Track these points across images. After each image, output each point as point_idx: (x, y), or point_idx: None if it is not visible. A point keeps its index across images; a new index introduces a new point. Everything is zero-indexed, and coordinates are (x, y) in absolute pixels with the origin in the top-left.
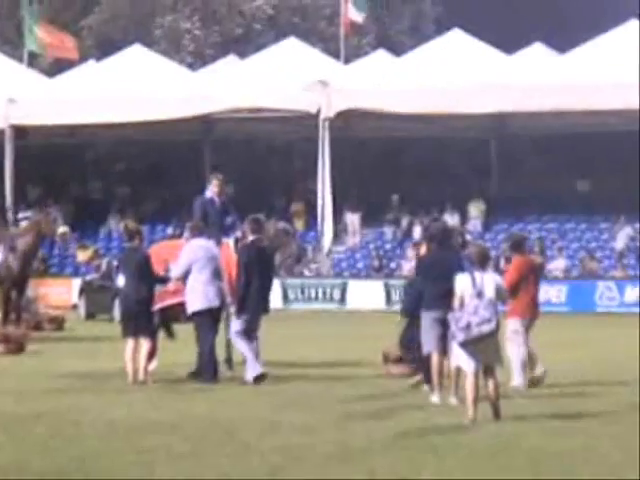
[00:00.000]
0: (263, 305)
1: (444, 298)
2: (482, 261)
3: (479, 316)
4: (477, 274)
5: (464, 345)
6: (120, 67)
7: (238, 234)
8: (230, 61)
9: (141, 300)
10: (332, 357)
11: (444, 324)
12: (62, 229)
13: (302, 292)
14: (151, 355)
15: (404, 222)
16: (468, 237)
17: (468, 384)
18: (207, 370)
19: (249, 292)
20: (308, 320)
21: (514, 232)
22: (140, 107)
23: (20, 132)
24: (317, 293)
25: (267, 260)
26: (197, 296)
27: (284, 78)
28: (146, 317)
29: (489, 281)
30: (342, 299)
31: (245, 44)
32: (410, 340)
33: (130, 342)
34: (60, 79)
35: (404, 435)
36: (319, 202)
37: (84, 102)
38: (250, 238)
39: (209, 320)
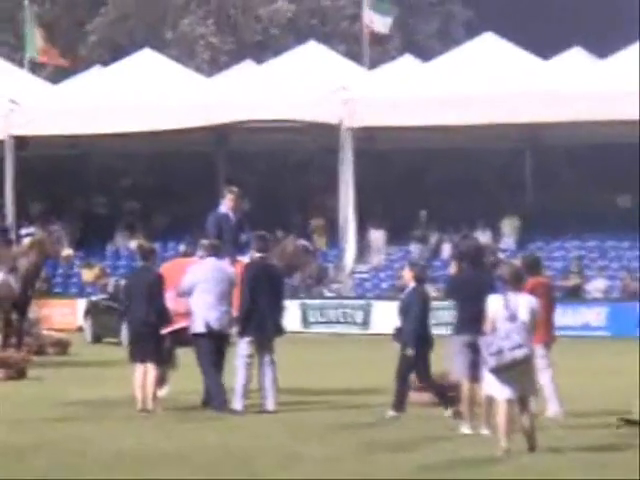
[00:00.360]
0: (274, 327)
1: (475, 321)
2: (516, 281)
3: (512, 341)
4: (510, 295)
5: (496, 372)
6: (128, 73)
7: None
8: (246, 67)
9: (151, 323)
10: (354, 384)
11: (475, 349)
12: (66, 251)
13: (322, 314)
14: (160, 381)
15: (432, 240)
16: (501, 256)
17: (501, 414)
18: (215, 398)
19: (255, 313)
20: (329, 344)
21: (527, 254)
22: (149, 116)
23: (21, 143)
24: (338, 315)
25: (276, 279)
26: (196, 318)
27: (304, 85)
28: (155, 341)
29: (523, 303)
30: (365, 322)
31: (262, 49)
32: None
33: (139, 368)
34: (64, 86)
35: (431, 468)
36: (340, 218)
37: (89, 111)
38: (256, 255)
39: (208, 345)
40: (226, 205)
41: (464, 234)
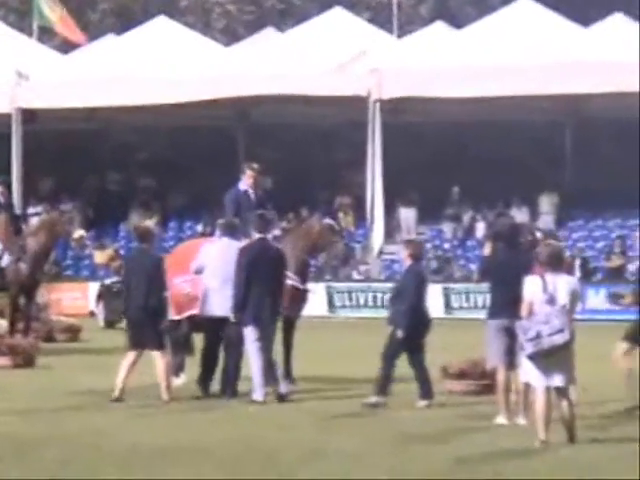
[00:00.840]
0: (273, 314)
1: (511, 305)
2: (555, 262)
3: (551, 325)
4: (549, 277)
5: (533, 358)
6: (143, 42)
7: (276, 232)
8: (267, 35)
9: (150, 308)
10: None
11: (511, 334)
12: (78, 233)
13: (350, 298)
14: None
15: (466, 218)
16: (539, 235)
17: (538, 402)
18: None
19: (251, 300)
20: (357, 329)
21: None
22: (165, 88)
23: (29, 116)
24: (367, 299)
25: (276, 262)
26: (202, 301)
27: (329, 55)
28: (155, 328)
29: (563, 285)
30: None
31: (283, 16)
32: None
33: (131, 354)
34: (75, 56)
35: (466, 461)
36: (368, 196)
37: (102, 82)
38: (255, 236)
39: (211, 329)
40: (246, 182)
41: (499, 212)
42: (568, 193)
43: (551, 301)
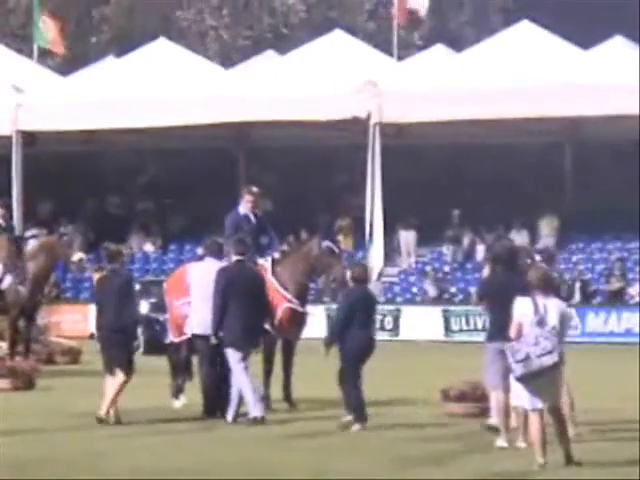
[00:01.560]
0: (251, 339)
1: (509, 328)
2: (545, 285)
3: (540, 347)
4: (539, 299)
5: (522, 380)
6: (143, 64)
7: (275, 255)
8: (267, 58)
9: (120, 329)
10: (383, 394)
11: None
12: (77, 255)
13: None
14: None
15: (465, 241)
16: (537, 258)
17: (533, 425)
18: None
19: (229, 321)
20: None
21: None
22: (165, 110)
23: (29, 138)
24: None
25: (254, 285)
26: (193, 320)
27: (328, 78)
28: (124, 349)
29: (553, 308)
30: (395, 328)
31: (282, 40)
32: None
33: (108, 379)
34: (74, 78)
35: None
36: (367, 218)
37: (102, 104)
38: (233, 259)
39: (204, 348)
40: (245, 205)
41: (498, 235)
42: (567, 216)
43: (541, 323)
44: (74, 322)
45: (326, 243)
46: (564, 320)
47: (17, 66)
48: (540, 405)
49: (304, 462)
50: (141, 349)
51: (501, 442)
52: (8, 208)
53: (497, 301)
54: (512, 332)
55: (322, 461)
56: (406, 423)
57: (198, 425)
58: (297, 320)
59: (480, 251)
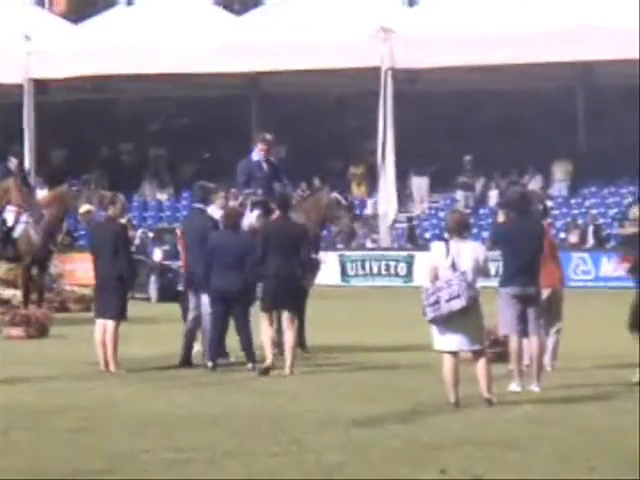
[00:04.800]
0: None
1: (523, 273)
2: (460, 229)
3: (449, 291)
4: (453, 243)
5: (434, 323)
6: (154, 11)
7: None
8: (278, 4)
9: (115, 277)
10: (397, 341)
11: (524, 302)
12: (84, 207)
13: (363, 267)
14: (115, 338)
15: (478, 186)
16: (550, 203)
17: (445, 367)
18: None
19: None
20: (370, 298)
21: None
22: (177, 58)
23: (41, 86)
24: (380, 267)
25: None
26: None
27: (340, 24)
28: (118, 296)
29: (466, 251)
30: (408, 274)
31: None
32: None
33: (99, 324)
34: (86, 25)
35: (479, 428)
36: (379, 164)
37: (113, 52)
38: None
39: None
40: (258, 152)
41: (511, 180)
42: (581, 160)
43: (453, 267)
44: (87, 270)
45: (334, 195)
46: (478, 264)
47: (27, 14)
48: (452, 347)
49: (314, 409)
50: (155, 296)
51: (514, 387)
52: (20, 157)
53: (510, 247)
54: (427, 276)
55: (333, 408)
56: (418, 369)
57: (212, 374)
58: (310, 267)
59: (493, 197)
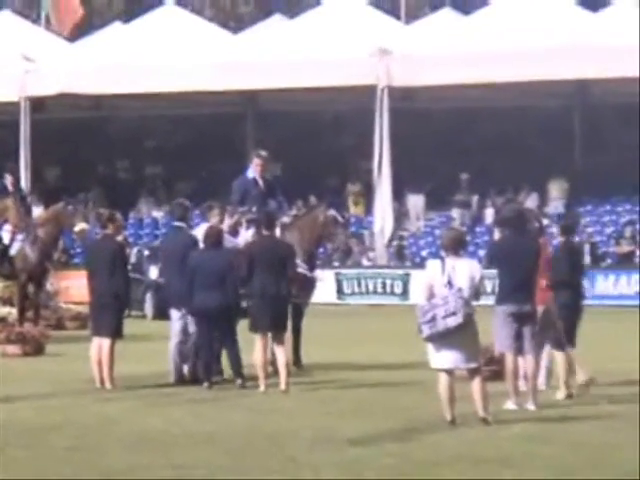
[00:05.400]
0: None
1: (519, 290)
2: (456, 246)
3: (446, 308)
4: (449, 261)
5: (430, 340)
6: (150, 30)
7: (285, 219)
8: (275, 22)
9: (111, 294)
10: (393, 359)
11: (520, 320)
12: (79, 226)
13: (359, 285)
14: (111, 356)
15: (474, 204)
16: (545, 221)
17: (440, 384)
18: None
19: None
20: (366, 316)
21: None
22: (173, 76)
23: (37, 104)
24: (375, 285)
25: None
26: None
27: (337, 42)
28: (113, 314)
29: (462, 269)
30: (404, 292)
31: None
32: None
33: (95, 341)
34: (82, 43)
35: (474, 445)
36: (375, 183)
37: (110, 70)
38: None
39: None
40: (254, 170)
41: (507, 198)
42: (577, 178)
43: (449, 284)
44: (83, 287)
45: (330, 212)
46: (474, 281)
47: (25, 32)
48: (448, 365)
49: (310, 426)
50: (150, 314)
51: (510, 405)
52: (16, 174)
53: (506, 264)
54: (422, 293)
55: (329, 426)
56: (414, 387)
57: (207, 391)
58: (306, 285)
59: (489, 215)
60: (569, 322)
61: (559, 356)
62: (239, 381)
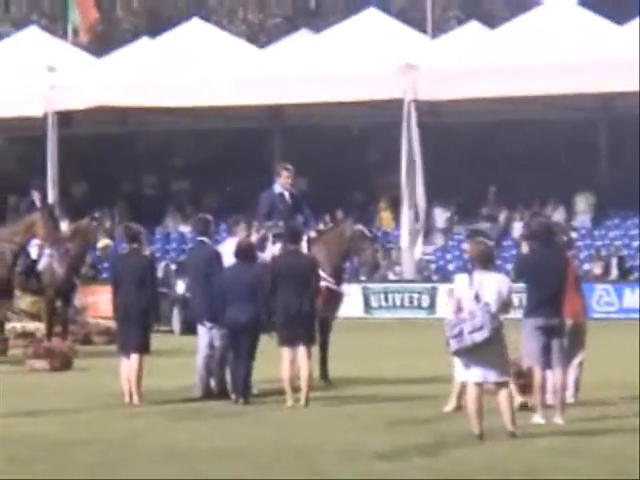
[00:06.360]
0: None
1: (547, 304)
2: (483, 260)
3: (473, 323)
4: (477, 275)
5: (458, 355)
6: (177, 45)
7: (311, 233)
8: (301, 37)
9: (140, 310)
10: (420, 373)
11: (548, 333)
12: (103, 242)
13: (386, 299)
14: (140, 372)
15: (501, 218)
16: (574, 235)
17: (468, 398)
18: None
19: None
20: (393, 330)
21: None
22: (200, 91)
23: (64, 119)
24: (403, 300)
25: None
26: None
27: (363, 57)
28: (143, 329)
29: (490, 283)
30: (431, 306)
31: (315, 17)
32: None
33: (125, 360)
34: (109, 58)
35: (502, 459)
36: (404, 197)
37: (136, 85)
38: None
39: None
40: (281, 184)
41: (535, 212)
42: (603, 192)
43: (477, 298)
44: (111, 302)
45: (358, 227)
46: (501, 296)
47: (51, 47)
48: (477, 379)
49: (338, 441)
50: (178, 329)
51: (537, 419)
52: (43, 190)
53: (534, 278)
54: (451, 307)
55: (356, 440)
56: (442, 401)
57: (234, 405)
58: (333, 299)
59: (516, 228)
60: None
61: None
62: (234, 396)
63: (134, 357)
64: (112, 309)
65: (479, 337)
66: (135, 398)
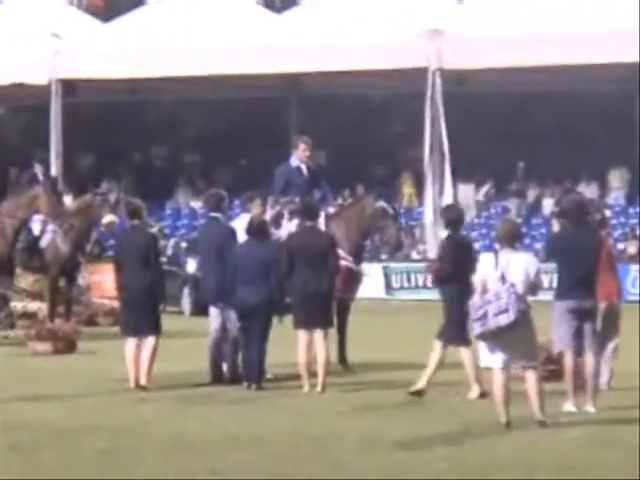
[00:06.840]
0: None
1: (579, 285)
2: (509, 239)
3: (497, 305)
4: (503, 254)
5: (482, 338)
6: (188, 9)
7: (330, 209)
8: (322, 1)
9: (146, 289)
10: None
11: (580, 317)
12: (107, 218)
13: (408, 279)
14: (153, 356)
15: (531, 195)
16: (607, 212)
17: (495, 384)
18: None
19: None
20: (415, 313)
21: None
22: (213, 58)
23: (69, 87)
24: (426, 280)
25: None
26: None
27: (385, 23)
28: (151, 310)
29: (516, 263)
30: None
31: None
32: None
33: (131, 341)
34: (116, 23)
35: (530, 449)
36: (427, 171)
37: (145, 52)
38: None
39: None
40: (298, 157)
41: (566, 188)
42: (639, 167)
43: (502, 279)
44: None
45: (380, 203)
46: (529, 277)
47: (55, 12)
48: (500, 364)
49: (356, 428)
50: (188, 310)
51: (569, 406)
52: (46, 162)
53: (566, 258)
54: (476, 288)
55: (376, 427)
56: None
57: (247, 391)
58: (352, 279)
59: (547, 205)
60: (458, 318)
61: (466, 352)
62: (246, 384)
63: (149, 340)
64: (115, 289)
65: (504, 320)
66: (143, 380)
